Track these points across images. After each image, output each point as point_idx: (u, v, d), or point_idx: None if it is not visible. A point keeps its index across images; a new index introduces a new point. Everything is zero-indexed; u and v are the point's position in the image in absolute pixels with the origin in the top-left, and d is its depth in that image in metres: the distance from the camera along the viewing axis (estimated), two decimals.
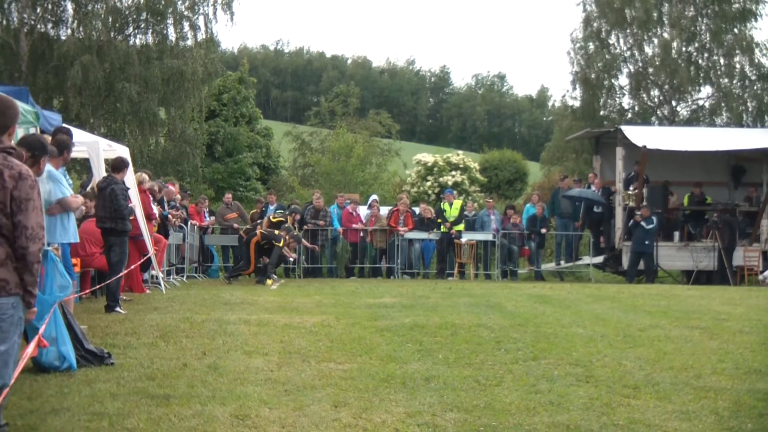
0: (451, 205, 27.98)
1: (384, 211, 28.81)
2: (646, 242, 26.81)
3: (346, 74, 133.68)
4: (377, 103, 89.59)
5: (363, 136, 48.61)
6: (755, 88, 53.42)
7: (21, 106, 9.48)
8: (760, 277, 26.13)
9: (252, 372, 9.77)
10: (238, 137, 52.34)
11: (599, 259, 29.06)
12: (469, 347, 11.59)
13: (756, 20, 52.97)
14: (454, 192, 31.09)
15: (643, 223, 26.56)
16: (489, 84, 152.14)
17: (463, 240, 27.62)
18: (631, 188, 27.98)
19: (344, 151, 44.81)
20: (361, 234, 27.84)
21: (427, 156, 45.01)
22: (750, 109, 53.58)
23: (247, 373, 9.68)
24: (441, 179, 42.07)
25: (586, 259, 29.47)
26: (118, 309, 15.15)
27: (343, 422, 7.73)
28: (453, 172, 42.77)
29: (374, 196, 29.88)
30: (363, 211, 28.75)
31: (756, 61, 53.30)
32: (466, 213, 28.76)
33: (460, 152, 48.73)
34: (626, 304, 17.70)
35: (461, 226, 27.87)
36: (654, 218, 26.80)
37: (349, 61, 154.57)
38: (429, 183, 42.34)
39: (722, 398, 8.74)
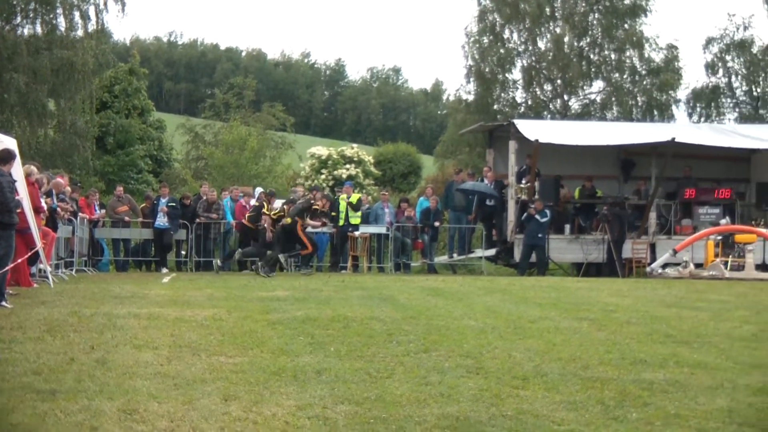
0: (348, 197, 27.97)
1: (278, 204, 28.74)
2: (539, 235, 27.09)
3: (240, 66, 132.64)
4: (272, 96, 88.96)
5: (257, 129, 48.36)
6: (645, 83, 54.38)
7: None
8: (648, 269, 26.63)
9: (141, 366, 9.64)
10: (129, 129, 51.68)
11: (492, 251, 29.30)
12: (361, 340, 11.59)
13: (646, 15, 54.02)
14: (352, 183, 31.10)
15: (537, 216, 26.83)
16: (384, 77, 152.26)
17: (357, 233, 27.65)
18: (523, 181, 28.26)
19: (238, 144, 44.58)
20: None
21: (322, 149, 45.10)
22: (640, 104, 54.54)
23: (136, 368, 9.56)
24: (335, 172, 42.12)
25: (479, 252, 29.68)
26: (3, 303, 14.83)
27: (233, 416, 7.67)
28: (347, 166, 42.89)
29: (260, 189, 29.80)
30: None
31: (646, 56, 54.32)
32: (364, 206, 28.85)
33: (355, 145, 48.94)
34: (517, 296, 17.86)
35: (358, 219, 27.88)
36: (548, 211, 27.10)
37: (243, 54, 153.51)
38: (323, 176, 42.35)
39: (608, 388, 8.86)
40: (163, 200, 27.21)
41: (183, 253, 27.76)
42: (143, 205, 28.87)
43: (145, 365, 9.70)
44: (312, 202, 25.39)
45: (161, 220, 26.88)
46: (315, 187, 27.49)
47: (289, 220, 24.63)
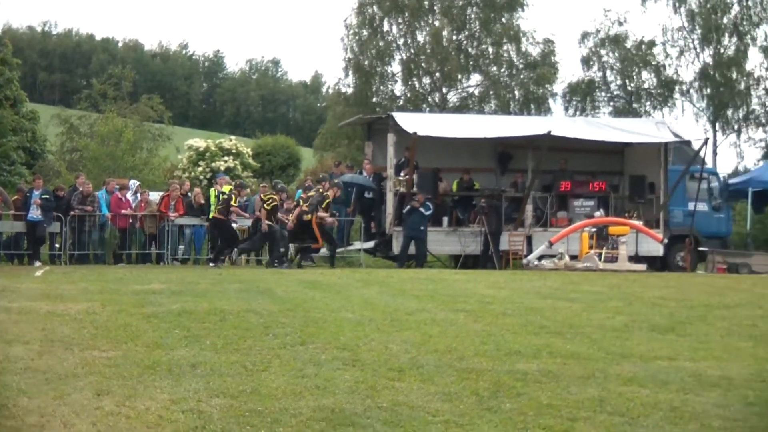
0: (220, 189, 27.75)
1: (154, 196, 28.42)
2: (421, 227, 27.21)
3: (117, 57, 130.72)
4: (149, 87, 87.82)
5: (134, 120, 47.65)
6: (522, 76, 55.03)
7: None
8: (525, 260, 26.97)
9: (11, 361, 9.45)
10: (1, 121, 50.45)
11: (370, 244, 29.35)
12: (237, 333, 11.51)
13: (523, 10, 54.77)
14: (227, 177, 30.86)
15: (421, 209, 26.93)
16: (263, 69, 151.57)
17: (235, 226, 27.46)
18: (402, 174, 28.35)
19: (113, 136, 43.87)
20: (131, 220, 27.37)
21: (199, 141, 44.64)
22: (517, 97, 55.22)
23: (6, 363, 9.37)
24: (213, 164, 41.74)
25: (357, 245, 29.69)
26: None
27: (106, 410, 7.57)
28: (225, 158, 42.52)
29: (135, 182, 29.48)
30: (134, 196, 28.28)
31: (523, 49, 54.97)
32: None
33: (233, 137, 48.51)
34: (395, 288, 17.91)
35: None
36: (430, 204, 27.25)
37: (120, 44, 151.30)
38: (201, 168, 41.95)
39: (483, 379, 8.94)
40: (36, 192, 26.62)
41: (57, 246, 27.23)
42: (15, 197, 28.22)
43: (15, 360, 9.51)
44: (325, 194, 25.69)
45: (34, 213, 26.30)
46: (323, 177, 27.58)
47: (309, 216, 25.08)
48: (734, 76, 60.62)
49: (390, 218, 28.17)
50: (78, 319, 12.58)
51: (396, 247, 27.89)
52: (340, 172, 30.26)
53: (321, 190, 25.94)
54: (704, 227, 30.93)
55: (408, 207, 27.28)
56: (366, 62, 53.68)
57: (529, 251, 27.89)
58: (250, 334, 11.47)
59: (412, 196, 27.34)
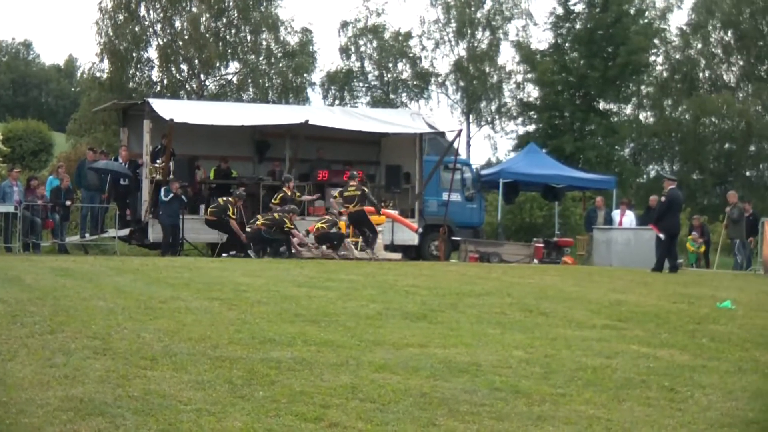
0: None
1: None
2: (179, 216, 26.91)
3: None
4: None
5: None
6: (280, 65, 55.14)
7: None
8: (282, 248, 27.02)
9: None
10: None
11: (125, 231, 28.86)
12: None
13: None
14: None
15: (162, 196, 26.62)
16: (14, 52, 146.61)
17: None
18: (158, 161, 27.95)
19: None
20: None
21: None
22: (275, 86, 55.29)
23: None
24: None
25: (112, 232, 29.13)
26: None
27: None
28: None
29: None
30: None
31: (281, 38, 55.10)
32: None
33: None
34: (150, 276, 17.62)
35: None
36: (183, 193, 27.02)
37: None
38: None
39: (237, 367, 8.90)
40: None
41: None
42: None
43: None
44: (364, 189, 26.14)
45: None
46: (352, 174, 27.12)
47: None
48: (487, 69, 62.48)
49: (146, 206, 27.75)
50: None
51: (151, 235, 27.53)
52: (94, 158, 29.61)
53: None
54: (458, 217, 31.82)
55: (171, 195, 26.81)
56: (122, 47, 52.70)
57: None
58: None
59: (168, 183, 26.99)
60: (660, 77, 63.24)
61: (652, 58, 61.34)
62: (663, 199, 24.98)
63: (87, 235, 29.13)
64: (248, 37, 54.88)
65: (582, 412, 7.87)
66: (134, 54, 53.53)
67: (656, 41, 60.94)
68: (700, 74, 63.86)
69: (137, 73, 54.47)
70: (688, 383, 9.11)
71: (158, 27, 54.11)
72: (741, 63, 63.38)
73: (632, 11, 58.28)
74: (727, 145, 61.59)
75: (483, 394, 8.29)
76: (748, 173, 61.31)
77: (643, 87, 62.68)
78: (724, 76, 64.20)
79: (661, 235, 24.43)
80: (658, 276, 22.60)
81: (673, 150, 63.40)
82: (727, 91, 61.12)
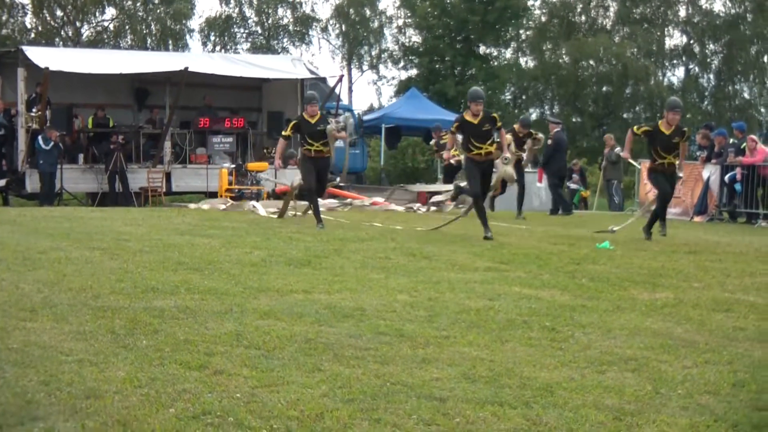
0: None
1: None
2: (51, 163, 26.47)
3: None
4: None
5: None
6: (159, 11, 54.33)
7: None
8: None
9: None
10: None
11: (2, 182, 28.29)
12: None
13: None
14: None
15: (42, 144, 26.18)
16: None
17: None
18: (34, 110, 27.40)
19: None
20: None
21: None
22: (154, 33, 54.49)
23: None
24: None
25: None
26: None
27: None
28: None
29: None
30: None
31: None
32: None
33: None
34: (28, 227, 17.30)
35: None
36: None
37: None
38: None
39: (119, 317, 8.79)
40: None
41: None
42: None
43: None
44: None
45: None
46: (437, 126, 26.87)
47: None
48: (368, 14, 62.36)
49: (23, 156, 27.22)
50: None
51: (29, 185, 27.07)
52: None
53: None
54: (341, 163, 31.78)
55: (50, 142, 26.32)
56: None
57: (169, 188, 27.84)
58: None
59: (43, 131, 26.50)
60: (538, 21, 63.84)
61: (530, 2, 61.98)
62: (549, 142, 25.33)
63: None
64: None
65: (466, 353, 7.94)
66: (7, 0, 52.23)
67: None
68: (577, 18, 64.51)
69: (10, 20, 53.17)
70: (568, 323, 9.25)
71: None
72: (616, 6, 64.21)
73: None
74: (605, 88, 62.49)
75: (367, 339, 8.32)
76: (625, 115, 62.28)
77: (522, 31, 63.27)
78: (600, 20, 64.98)
79: (540, 184, 25.06)
80: (553, 219, 23.25)
81: (553, 93, 64.19)
82: (603, 34, 61.88)
